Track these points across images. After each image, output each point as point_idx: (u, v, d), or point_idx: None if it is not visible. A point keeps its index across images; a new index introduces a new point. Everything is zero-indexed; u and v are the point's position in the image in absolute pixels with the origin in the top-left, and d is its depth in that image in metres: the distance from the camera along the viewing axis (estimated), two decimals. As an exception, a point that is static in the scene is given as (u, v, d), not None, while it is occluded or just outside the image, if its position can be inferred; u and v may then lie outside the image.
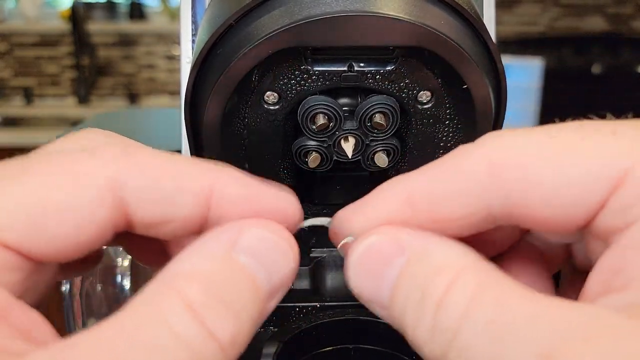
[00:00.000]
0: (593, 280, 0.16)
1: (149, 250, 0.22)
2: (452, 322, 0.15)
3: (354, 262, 0.18)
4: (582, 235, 0.18)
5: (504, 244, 0.22)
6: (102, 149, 0.18)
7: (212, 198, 0.18)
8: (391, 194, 0.19)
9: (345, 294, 0.30)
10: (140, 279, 0.46)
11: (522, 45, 1.88)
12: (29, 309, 0.17)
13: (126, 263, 0.46)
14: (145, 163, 0.18)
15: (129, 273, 0.46)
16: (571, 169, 0.16)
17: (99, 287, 0.46)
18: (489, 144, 0.18)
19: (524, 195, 0.17)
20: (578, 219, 0.17)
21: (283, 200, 0.19)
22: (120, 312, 0.15)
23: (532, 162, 0.17)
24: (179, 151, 0.33)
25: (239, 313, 0.16)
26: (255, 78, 0.25)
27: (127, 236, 0.19)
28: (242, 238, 0.17)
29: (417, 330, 0.16)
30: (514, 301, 0.15)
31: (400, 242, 0.18)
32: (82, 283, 0.45)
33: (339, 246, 0.20)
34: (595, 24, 2.25)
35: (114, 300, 0.45)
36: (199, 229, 0.18)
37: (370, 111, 0.26)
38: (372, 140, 0.27)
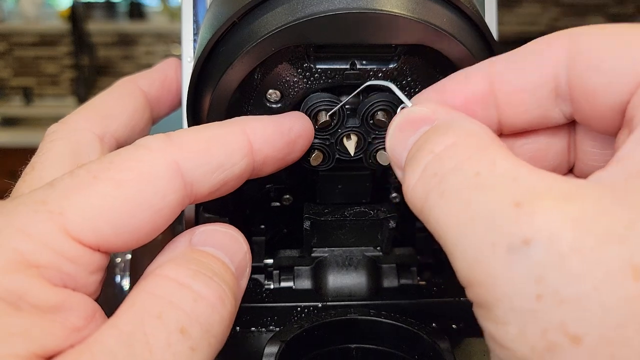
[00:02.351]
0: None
1: None
2: (442, 169, 0.17)
3: (392, 126, 0.21)
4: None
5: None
6: (148, 142, 0.20)
7: (253, 146, 0.21)
8: (473, 73, 0.21)
9: (347, 294, 0.30)
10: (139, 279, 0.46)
11: (522, 44, 1.88)
12: (103, 320, 0.18)
13: (124, 263, 0.46)
14: (188, 142, 0.20)
15: (127, 273, 0.46)
16: (624, 48, 0.18)
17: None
18: (571, 30, 0.19)
19: (583, 61, 0.18)
20: (619, 92, 0.18)
21: (300, 120, 0.23)
22: (121, 305, 0.17)
23: (597, 39, 0.18)
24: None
25: (218, 280, 0.18)
26: (257, 76, 0.25)
27: None
28: (194, 235, 0.20)
29: (407, 175, 0.18)
30: (504, 162, 0.16)
31: (434, 114, 0.20)
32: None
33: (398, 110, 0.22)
34: (596, 23, 2.25)
35: (113, 300, 0.45)
36: (254, 171, 0.22)
37: (373, 109, 0.26)
38: (374, 138, 0.27)
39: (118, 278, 0.46)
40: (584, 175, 0.22)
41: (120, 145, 0.26)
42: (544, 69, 0.19)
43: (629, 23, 0.19)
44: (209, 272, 0.18)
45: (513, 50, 0.20)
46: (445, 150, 0.17)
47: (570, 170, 0.23)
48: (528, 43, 0.20)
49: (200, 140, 0.20)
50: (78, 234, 0.17)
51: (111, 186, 0.18)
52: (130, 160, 0.19)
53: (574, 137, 0.22)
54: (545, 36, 0.20)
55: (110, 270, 0.46)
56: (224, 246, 0.20)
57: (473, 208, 0.16)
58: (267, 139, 0.22)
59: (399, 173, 0.20)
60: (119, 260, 0.46)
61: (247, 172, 0.21)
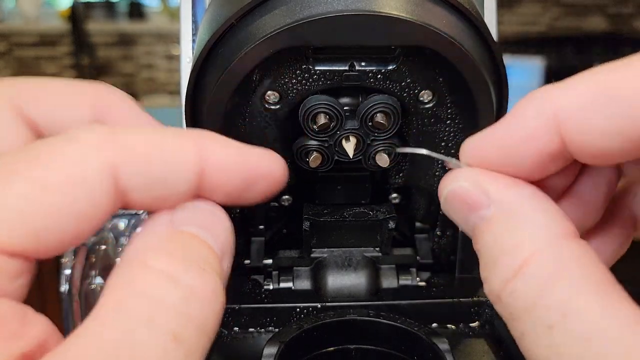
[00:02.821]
0: None
1: None
2: (528, 293, 0.16)
3: (445, 197, 0.19)
4: None
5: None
6: (84, 135, 0.17)
7: (204, 169, 0.18)
8: (539, 116, 0.18)
9: (346, 295, 0.30)
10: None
11: (523, 45, 1.88)
12: (38, 318, 0.16)
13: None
14: (134, 145, 0.17)
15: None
16: None
17: (98, 288, 0.45)
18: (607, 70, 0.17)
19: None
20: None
21: (269, 161, 0.20)
22: (102, 303, 0.16)
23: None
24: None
25: (209, 269, 0.17)
26: (256, 77, 0.25)
27: None
28: (176, 212, 0.18)
29: (486, 284, 0.17)
30: (579, 309, 0.15)
31: (487, 194, 0.18)
32: (81, 283, 0.45)
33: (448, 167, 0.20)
34: (596, 23, 2.25)
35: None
36: (194, 197, 0.19)
37: (372, 111, 0.26)
38: (373, 140, 0.27)
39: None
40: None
41: (42, 129, 0.22)
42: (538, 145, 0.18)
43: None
44: (200, 260, 0.17)
45: (576, 83, 0.18)
46: (522, 268, 0.16)
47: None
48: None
49: (147, 146, 0.18)
50: None
51: (33, 188, 0.16)
52: (59, 156, 0.16)
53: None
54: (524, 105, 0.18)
55: (109, 270, 0.46)
56: (208, 225, 0.18)
57: None
58: (223, 167, 0.19)
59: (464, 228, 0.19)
60: (119, 260, 0.46)
61: (189, 195, 0.19)
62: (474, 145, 0.19)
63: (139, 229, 0.19)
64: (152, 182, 0.18)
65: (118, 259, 0.46)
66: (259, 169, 0.19)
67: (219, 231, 0.19)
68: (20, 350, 0.15)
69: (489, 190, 0.18)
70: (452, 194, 0.19)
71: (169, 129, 0.19)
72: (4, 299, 0.16)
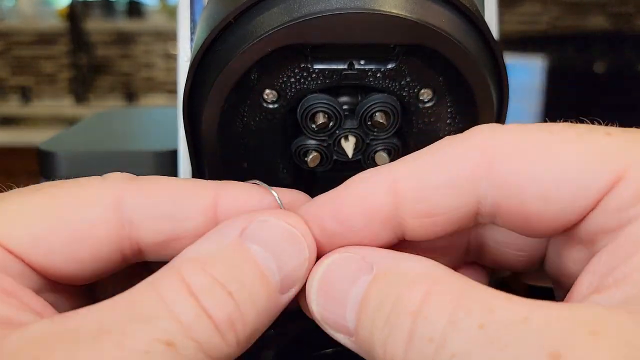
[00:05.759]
0: (581, 283, 0.16)
1: None
2: (435, 331, 0.14)
3: (316, 284, 0.17)
4: (561, 241, 0.18)
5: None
6: (111, 175, 0.18)
7: (218, 210, 0.18)
8: (373, 186, 0.18)
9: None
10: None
11: (524, 43, 1.88)
12: (37, 297, 0.17)
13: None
14: (149, 184, 0.18)
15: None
16: (569, 165, 0.16)
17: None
18: (482, 134, 0.17)
19: (518, 188, 0.16)
20: (570, 217, 0.16)
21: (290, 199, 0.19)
22: (126, 292, 0.15)
23: (529, 155, 0.16)
24: (176, 151, 0.33)
25: (241, 297, 0.16)
26: (254, 76, 0.25)
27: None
28: (252, 225, 0.17)
29: (390, 347, 0.15)
30: (502, 304, 0.14)
31: (366, 259, 0.17)
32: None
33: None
34: (598, 22, 2.25)
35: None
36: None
37: (371, 110, 0.25)
38: (372, 140, 0.26)
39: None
40: (490, 262, 0.21)
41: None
42: (463, 193, 0.17)
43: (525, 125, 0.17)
44: (238, 288, 0.16)
45: (419, 158, 0.18)
46: (424, 305, 0.15)
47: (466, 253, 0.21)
48: (434, 149, 0.18)
49: (159, 185, 0.18)
50: None
51: (43, 198, 0.17)
52: (75, 184, 0.17)
53: (478, 230, 0.21)
54: (452, 144, 0.17)
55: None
56: (278, 252, 0.17)
57: None
58: (238, 209, 0.18)
59: (346, 341, 0.17)
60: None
61: (202, 231, 0.18)
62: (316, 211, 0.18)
63: None
64: (160, 217, 0.17)
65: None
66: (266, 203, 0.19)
67: (289, 258, 0.17)
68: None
69: (366, 253, 0.17)
70: (330, 271, 0.17)
71: (190, 179, 0.19)
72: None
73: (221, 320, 0.15)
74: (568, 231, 0.17)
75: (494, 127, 0.17)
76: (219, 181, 0.19)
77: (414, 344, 0.14)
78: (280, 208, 0.19)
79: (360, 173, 0.19)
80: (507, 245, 0.20)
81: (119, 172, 0.19)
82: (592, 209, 0.16)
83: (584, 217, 0.16)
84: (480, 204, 0.17)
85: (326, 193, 0.19)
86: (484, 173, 0.16)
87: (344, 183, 0.19)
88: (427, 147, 0.18)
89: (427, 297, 0.15)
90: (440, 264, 0.16)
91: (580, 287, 0.16)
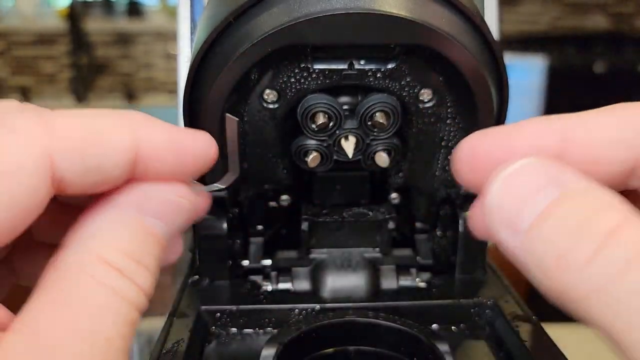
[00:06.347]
0: None
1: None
2: (626, 254, 0.14)
3: (506, 175, 0.17)
4: None
5: None
6: (19, 123, 0.17)
7: (138, 153, 0.19)
8: (545, 127, 0.18)
9: (345, 296, 0.29)
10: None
11: (524, 43, 1.88)
12: None
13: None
14: (69, 132, 0.18)
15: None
16: None
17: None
18: None
19: None
20: None
21: (200, 142, 0.21)
22: (44, 281, 0.17)
23: None
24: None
25: (150, 265, 0.18)
26: (254, 76, 0.25)
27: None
28: (149, 203, 0.19)
29: (571, 255, 0.15)
30: None
31: (558, 175, 0.17)
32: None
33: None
34: (598, 22, 2.25)
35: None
36: (127, 180, 0.20)
37: (371, 110, 0.25)
38: (372, 140, 0.26)
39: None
40: None
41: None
42: (626, 149, 0.18)
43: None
44: (147, 258, 0.18)
45: (589, 114, 0.19)
46: (617, 231, 0.15)
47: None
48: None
49: (83, 132, 0.18)
50: None
51: None
52: None
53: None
54: (620, 106, 0.18)
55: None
56: (170, 221, 0.19)
57: None
58: (156, 150, 0.19)
59: (508, 236, 0.17)
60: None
61: (123, 178, 0.19)
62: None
63: None
64: (88, 169, 0.18)
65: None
66: (190, 150, 0.20)
67: (177, 222, 0.20)
68: None
69: (559, 168, 0.17)
70: (517, 174, 0.17)
71: (103, 111, 0.19)
72: None
73: (147, 287, 0.18)
74: None
75: None
76: (136, 116, 0.19)
77: (598, 259, 0.15)
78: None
79: (532, 117, 0.19)
80: None
81: (25, 117, 0.18)
82: None
83: None
84: (637, 163, 0.18)
85: (498, 127, 0.19)
86: None
87: (517, 123, 0.19)
88: (596, 109, 0.19)
89: (622, 225, 0.15)
90: (626, 203, 0.16)
91: None
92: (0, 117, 0.18)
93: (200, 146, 0.20)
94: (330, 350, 0.27)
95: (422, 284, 0.30)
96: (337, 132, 0.26)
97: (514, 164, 0.17)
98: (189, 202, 0.20)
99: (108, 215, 0.19)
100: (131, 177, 0.19)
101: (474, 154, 0.19)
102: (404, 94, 0.26)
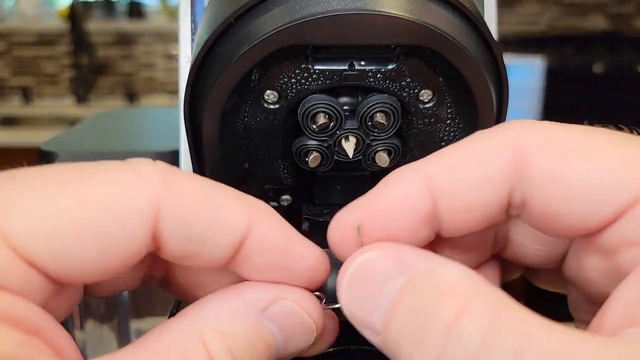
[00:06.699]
0: (613, 310, 0.15)
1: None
2: (468, 354, 0.14)
3: (348, 280, 0.17)
4: (583, 245, 0.18)
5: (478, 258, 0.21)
6: (144, 170, 0.16)
7: (246, 241, 0.17)
8: (410, 184, 0.18)
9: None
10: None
11: (523, 44, 1.88)
12: (60, 328, 0.16)
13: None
14: (186, 193, 0.17)
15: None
16: (600, 170, 0.16)
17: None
18: (515, 129, 0.17)
19: (545, 185, 0.16)
20: (594, 221, 0.16)
21: (312, 258, 0.19)
22: (140, 342, 0.16)
23: (560, 154, 0.16)
24: (177, 151, 0.33)
25: None
26: (255, 77, 0.25)
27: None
28: (274, 306, 0.18)
29: (418, 358, 0.15)
30: (539, 331, 0.14)
31: (401, 261, 0.16)
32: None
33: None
34: (597, 23, 2.25)
35: (112, 302, 0.45)
36: (225, 265, 0.18)
37: (371, 110, 0.25)
38: (373, 140, 0.26)
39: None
40: (515, 260, 0.21)
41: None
42: (498, 186, 0.17)
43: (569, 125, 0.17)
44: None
45: (453, 152, 0.18)
46: (458, 322, 0.14)
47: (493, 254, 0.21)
48: (470, 142, 0.18)
49: (199, 199, 0.17)
50: (17, 244, 0.14)
51: (74, 204, 0.15)
52: (110, 181, 0.16)
53: (507, 227, 0.20)
54: (485, 138, 0.17)
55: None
56: (289, 335, 0.18)
57: None
58: (265, 247, 0.18)
59: (372, 337, 0.17)
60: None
61: (222, 262, 0.18)
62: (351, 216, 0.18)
63: None
64: (191, 237, 0.17)
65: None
66: (299, 261, 0.18)
67: (297, 340, 0.18)
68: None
69: (400, 254, 0.17)
70: (362, 269, 0.17)
71: (225, 187, 0.18)
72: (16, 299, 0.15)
73: None
74: (591, 236, 0.17)
75: (526, 122, 0.17)
76: (255, 204, 0.18)
77: (444, 355, 0.14)
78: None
79: (394, 171, 0.19)
80: (530, 241, 0.20)
81: (150, 163, 0.17)
82: (618, 219, 0.16)
83: (609, 224, 0.16)
84: (511, 198, 0.17)
85: (364, 195, 0.19)
86: (516, 168, 0.17)
87: (380, 183, 0.19)
88: (459, 142, 0.18)
89: (462, 314, 0.14)
90: (475, 274, 0.16)
91: (612, 316, 0.15)
92: (133, 161, 0.17)
93: (311, 257, 0.19)
94: (331, 350, 0.27)
95: None
96: (338, 132, 0.26)
97: (354, 260, 0.17)
98: (314, 322, 0.19)
99: (232, 303, 0.17)
100: (231, 263, 0.18)
101: (343, 230, 0.18)
102: (404, 94, 0.26)
